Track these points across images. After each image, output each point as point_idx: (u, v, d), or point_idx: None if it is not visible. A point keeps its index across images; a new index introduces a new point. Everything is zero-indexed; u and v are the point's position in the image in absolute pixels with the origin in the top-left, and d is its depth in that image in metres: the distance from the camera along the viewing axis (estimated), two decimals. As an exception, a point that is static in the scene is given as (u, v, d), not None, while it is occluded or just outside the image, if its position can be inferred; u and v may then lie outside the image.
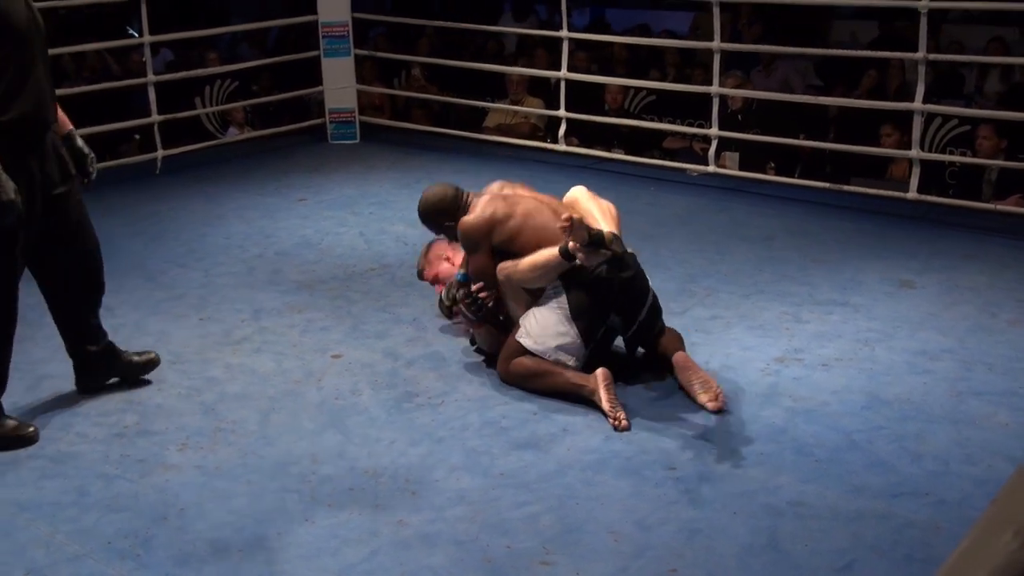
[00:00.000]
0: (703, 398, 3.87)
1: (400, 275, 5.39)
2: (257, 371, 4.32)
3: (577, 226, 3.78)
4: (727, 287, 5.16)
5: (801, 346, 4.45)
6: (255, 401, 4.06)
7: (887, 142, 6.78)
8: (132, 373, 4.15)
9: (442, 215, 4.29)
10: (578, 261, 3.89)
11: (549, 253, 3.96)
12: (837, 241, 5.86)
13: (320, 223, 6.33)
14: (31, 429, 3.77)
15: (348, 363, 4.38)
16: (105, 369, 4.12)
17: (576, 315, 3.99)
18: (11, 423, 3.77)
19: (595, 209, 4.08)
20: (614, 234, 3.93)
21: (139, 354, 4.18)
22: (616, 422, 3.77)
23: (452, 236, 4.31)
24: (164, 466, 3.59)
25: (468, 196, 4.27)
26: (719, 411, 3.83)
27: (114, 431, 3.83)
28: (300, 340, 4.62)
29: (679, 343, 4.12)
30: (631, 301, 4.05)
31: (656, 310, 4.14)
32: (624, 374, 4.13)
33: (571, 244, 3.84)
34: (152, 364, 4.19)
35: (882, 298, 4.99)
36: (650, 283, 4.13)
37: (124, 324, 4.74)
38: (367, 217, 6.45)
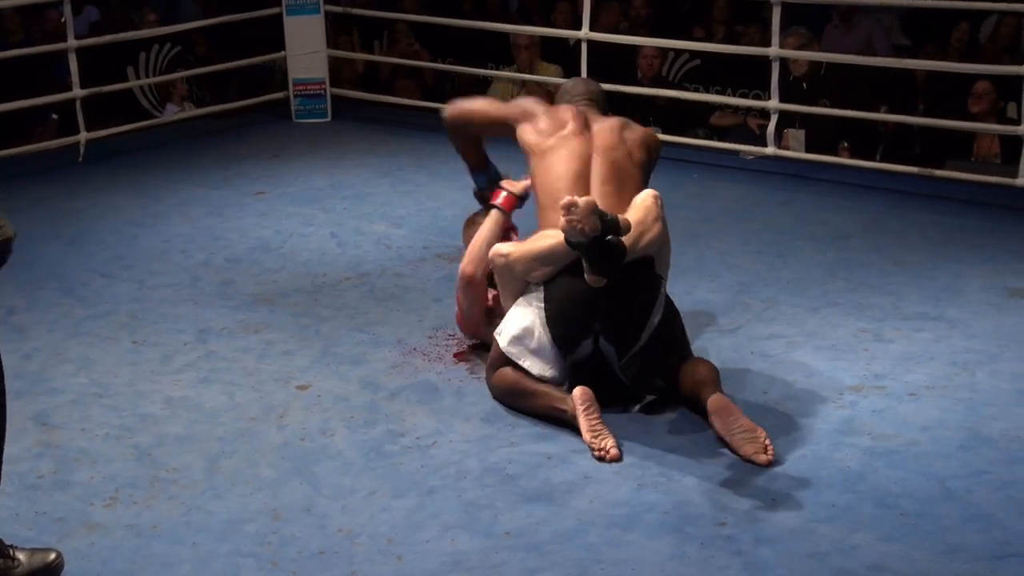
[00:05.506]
0: (748, 450, 3.85)
1: (381, 286, 5.41)
2: (204, 406, 4.34)
3: (584, 213, 3.79)
4: (790, 298, 5.17)
5: (883, 371, 4.46)
6: (201, 444, 4.07)
7: (980, 105, 6.77)
8: None
9: None
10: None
11: (554, 240, 4.02)
12: (928, 240, 5.86)
13: (282, 222, 6.36)
14: (53, 556, 3.34)
15: (317, 396, 4.40)
16: None
17: (552, 320, 4.11)
18: (22, 557, 3.30)
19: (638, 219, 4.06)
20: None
21: (33, 552, 3.37)
22: (602, 453, 3.85)
23: None
24: (88, 525, 3.60)
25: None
26: (769, 464, 3.81)
27: (27, 482, 3.83)
28: (257, 368, 4.65)
29: (712, 379, 4.08)
30: (624, 320, 4.09)
31: (665, 340, 4.14)
32: (659, 404, 4.16)
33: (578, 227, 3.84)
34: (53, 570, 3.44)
35: (985, 311, 4.99)
36: (661, 306, 4.13)
37: (38, 349, 4.77)
38: (340, 214, 6.48)
